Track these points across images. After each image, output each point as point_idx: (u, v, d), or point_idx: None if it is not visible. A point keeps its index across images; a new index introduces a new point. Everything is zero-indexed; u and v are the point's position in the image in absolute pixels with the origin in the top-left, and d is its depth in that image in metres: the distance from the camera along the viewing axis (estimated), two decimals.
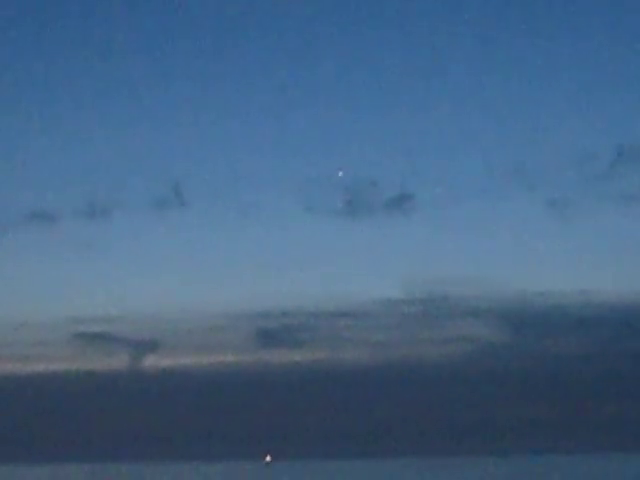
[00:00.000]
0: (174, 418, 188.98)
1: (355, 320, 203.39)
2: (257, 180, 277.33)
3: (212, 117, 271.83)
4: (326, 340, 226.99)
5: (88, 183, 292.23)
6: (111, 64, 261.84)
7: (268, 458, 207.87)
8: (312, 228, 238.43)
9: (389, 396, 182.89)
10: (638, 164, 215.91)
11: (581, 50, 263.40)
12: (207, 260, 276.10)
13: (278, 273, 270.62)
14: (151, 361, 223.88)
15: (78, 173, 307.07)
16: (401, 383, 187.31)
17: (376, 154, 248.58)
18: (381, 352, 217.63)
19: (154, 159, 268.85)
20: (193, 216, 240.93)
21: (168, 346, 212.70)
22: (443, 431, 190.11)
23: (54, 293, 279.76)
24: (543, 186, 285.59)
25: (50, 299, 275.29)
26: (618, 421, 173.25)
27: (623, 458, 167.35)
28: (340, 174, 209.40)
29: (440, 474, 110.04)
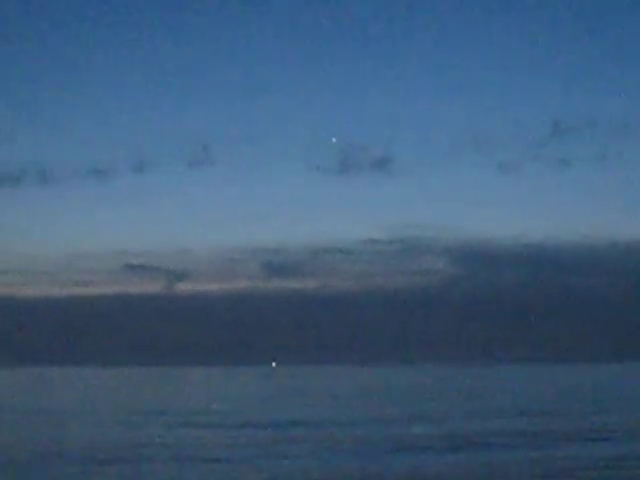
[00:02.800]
0: (199, 332, 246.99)
1: (345, 255, 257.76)
2: (268, 144, 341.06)
3: (237, 94, 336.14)
4: (321, 271, 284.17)
5: (133, 145, 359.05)
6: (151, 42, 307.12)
7: (274, 364, 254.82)
8: (312, 183, 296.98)
9: (371, 315, 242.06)
10: (571, 135, 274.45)
11: (528, 36, 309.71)
12: (227, 206, 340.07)
13: (284, 218, 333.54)
14: (182, 287, 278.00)
15: (126, 136, 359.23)
16: (380, 305, 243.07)
17: (364, 124, 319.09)
18: (365, 281, 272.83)
19: (187, 124, 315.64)
20: (217, 172, 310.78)
21: (195, 275, 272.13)
22: (412, 342, 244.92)
23: (108, 232, 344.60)
24: (494, 152, 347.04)
25: (104, 237, 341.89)
26: (547, 336, 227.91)
27: (557, 367, 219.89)
28: (334, 140, 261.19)
29: (410, 376, 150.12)
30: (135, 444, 31.88)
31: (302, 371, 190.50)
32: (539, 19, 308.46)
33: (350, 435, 35.17)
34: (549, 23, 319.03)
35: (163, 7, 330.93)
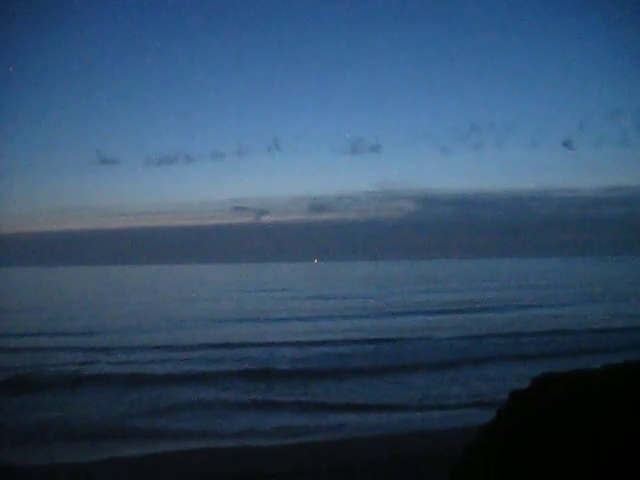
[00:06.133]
0: (276, 243, 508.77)
1: (353, 200, 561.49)
2: (310, 138, 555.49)
3: (294, 107, 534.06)
4: (340, 209, 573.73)
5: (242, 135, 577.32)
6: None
7: (315, 260, 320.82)
8: (335, 159, 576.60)
9: (367, 233, 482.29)
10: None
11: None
12: (290, 173, 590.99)
13: (320, 179, 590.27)
14: (264, 219, 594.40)
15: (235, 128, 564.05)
16: (372, 228, 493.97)
17: (364, 125, 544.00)
18: (364, 214, 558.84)
19: (264, 125, 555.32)
20: (283, 155, 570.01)
21: (273, 212, 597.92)
22: (393, 247, 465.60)
23: (223, 189, 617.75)
24: (438, 140, 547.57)
25: (216, 190, 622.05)
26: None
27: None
28: (347, 135, 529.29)
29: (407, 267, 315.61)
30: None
31: (333, 265, 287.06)
32: None
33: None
34: None
35: None
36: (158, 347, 29.83)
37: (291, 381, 21.49)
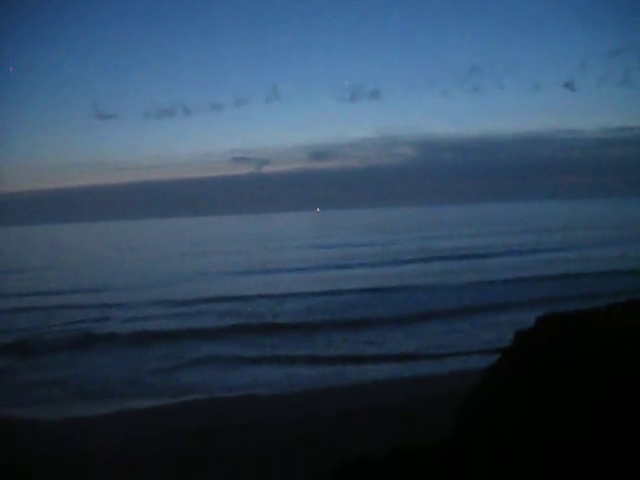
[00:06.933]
0: (274, 194, 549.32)
1: (353, 147, 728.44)
2: (312, 87, 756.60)
3: (295, 60, 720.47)
4: (340, 157, 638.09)
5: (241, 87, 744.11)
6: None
7: (318, 209, 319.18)
8: (336, 107, 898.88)
9: (367, 179, 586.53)
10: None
11: None
12: (290, 122, 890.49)
13: (322, 127, 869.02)
14: (265, 169, 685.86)
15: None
16: (373, 174, 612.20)
17: (364, 73, 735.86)
18: (364, 161, 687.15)
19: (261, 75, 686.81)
20: (283, 105, 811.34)
21: (273, 162, 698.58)
22: (393, 194, 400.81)
23: (222, 140, 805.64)
24: (436, 85, 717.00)
25: (220, 143, 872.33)
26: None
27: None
28: (346, 83, 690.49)
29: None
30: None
31: (335, 213, 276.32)
32: None
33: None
34: None
35: None
36: (164, 302, 29.95)
37: (296, 334, 21.56)
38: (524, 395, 5.23)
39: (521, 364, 5.47)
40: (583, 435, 4.71)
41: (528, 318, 6.11)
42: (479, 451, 5.52)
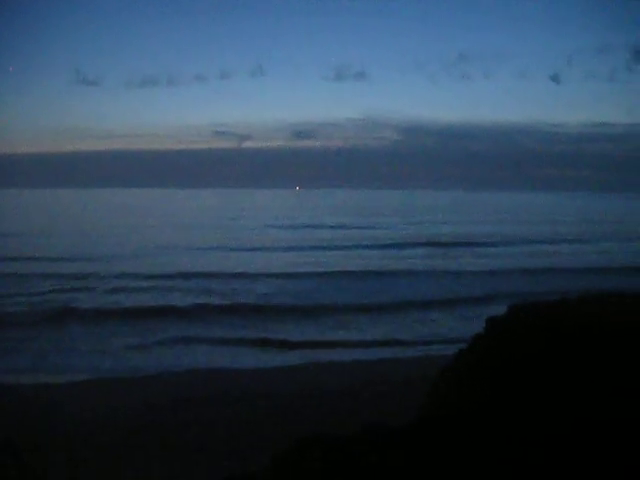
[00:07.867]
0: (256, 169, 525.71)
1: (336, 127, 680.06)
2: (298, 65, 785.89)
3: (283, 36, 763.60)
4: (323, 136, 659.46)
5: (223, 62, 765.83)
6: None
7: (297, 188, 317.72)
8: (322, 86, 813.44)
9: (350, 158, 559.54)
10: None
11: None
12: (274, 98, 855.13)
13: (306, 105, 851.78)
14: (246, 144, 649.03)
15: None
16: (355, 156, 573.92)
17: (351, 53, 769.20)
18: (347, 141, 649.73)
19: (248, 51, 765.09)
20: (268, 80, 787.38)
21: (254, 137, 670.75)
22: (373, 175, 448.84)
23: (205, 113, 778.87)
24: (422, 68, 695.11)
25: (202, 115, 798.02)
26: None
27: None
28: (332, 60, 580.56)
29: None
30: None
31: (315, 193, 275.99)
32: None
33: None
34: None
35: None
36: (144, 276, 29.74)
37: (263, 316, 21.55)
38: (492, 380, 5.33)
39: (492, 349, 5.59)
40: (551, 422, 4.80)
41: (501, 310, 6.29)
42: (446, 435, 5.68)
